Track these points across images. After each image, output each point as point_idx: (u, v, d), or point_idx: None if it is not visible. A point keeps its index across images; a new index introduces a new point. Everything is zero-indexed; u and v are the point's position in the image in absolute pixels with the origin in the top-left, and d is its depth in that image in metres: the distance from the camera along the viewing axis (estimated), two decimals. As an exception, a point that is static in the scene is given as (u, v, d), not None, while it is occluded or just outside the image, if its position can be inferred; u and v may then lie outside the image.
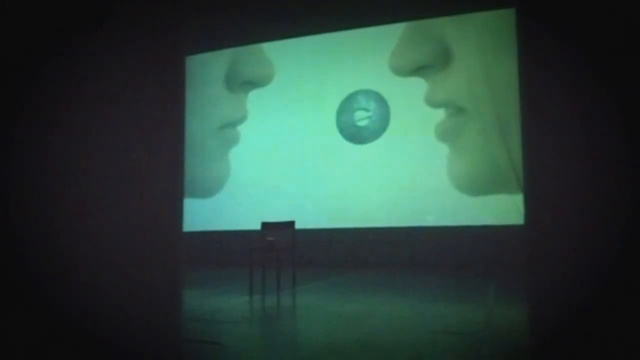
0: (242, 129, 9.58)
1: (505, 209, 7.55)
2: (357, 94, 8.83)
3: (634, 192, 1.86)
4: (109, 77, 2.10)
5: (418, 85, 8.32)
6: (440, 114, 8.18)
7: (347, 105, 8.88)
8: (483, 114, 7.89)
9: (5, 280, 1.75)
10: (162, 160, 2.34)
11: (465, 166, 7.99)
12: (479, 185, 7.87)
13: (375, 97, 8.69)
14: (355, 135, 8.79)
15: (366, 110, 8.68)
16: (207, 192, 9.63)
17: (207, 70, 9.79)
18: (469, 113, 8.00)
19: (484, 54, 7.95)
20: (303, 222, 6.39)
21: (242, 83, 9.61)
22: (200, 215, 9.39)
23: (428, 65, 8.24)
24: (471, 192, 7.89)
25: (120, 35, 2.13)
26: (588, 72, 1.96)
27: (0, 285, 1.74)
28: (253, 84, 9.54)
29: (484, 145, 7.85)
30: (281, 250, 5.31)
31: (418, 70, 8.31)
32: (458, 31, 8.14)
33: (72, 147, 1.93)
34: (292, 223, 5.52)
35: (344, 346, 2.90)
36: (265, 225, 5.65)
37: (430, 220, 8.09)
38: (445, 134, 8.12)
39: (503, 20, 7.64)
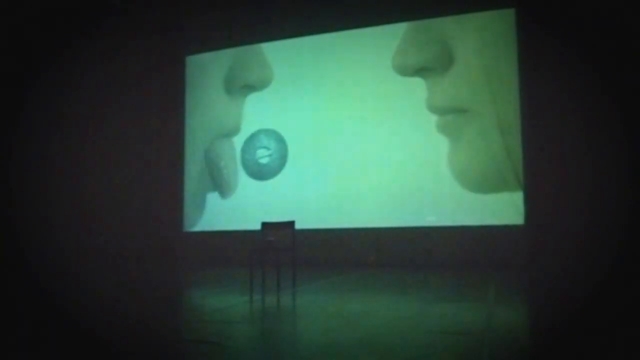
0: (244, 129, 9.58)
1: (505, 208, 7.54)
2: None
3: (634, 191, 1.86)
4: (108, 77, 2.11)
5: (419, 85, 8.32)
6: (440, 113, 8.17)
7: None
8: (483, 113, 7.88)
9: (6, 279, 1.75)
10: (162, 161, 2.35)
11: (466, 166, 7.98)
12: (479, 184, 7.86)
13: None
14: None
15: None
16: (208, 193, 9.60)
17: (206, 74, 9.77)
18: (469, 113, 7.99)
19: (483, 53, 7.94)
20: (303, 222, 6.38)
21: (241, 86, 9.62)
22: (201, 215, 9.38)
23: (430, 66, 8.24)
24: (472, 189, 7.88)
25: (120, 36, 2.14)
26: (587, 71, 1.97)
27: (0, 284, 1.74)
28: (252, 87, 9.55)
29: (484, 145, 7.84)
30: (281, 250, 5.30)
31: (420, 70, 8.32)
32: (458, 31, 8.14)
33: (71, 148, 1.94)
34: (292, 223, 5.51)
35: (344, 346, 2.90)
36: (265, 225, 5.64)
37: (431, 220, 8.08)
38: (445, 134, 8.11)
39: (503, 20, 7.65)
